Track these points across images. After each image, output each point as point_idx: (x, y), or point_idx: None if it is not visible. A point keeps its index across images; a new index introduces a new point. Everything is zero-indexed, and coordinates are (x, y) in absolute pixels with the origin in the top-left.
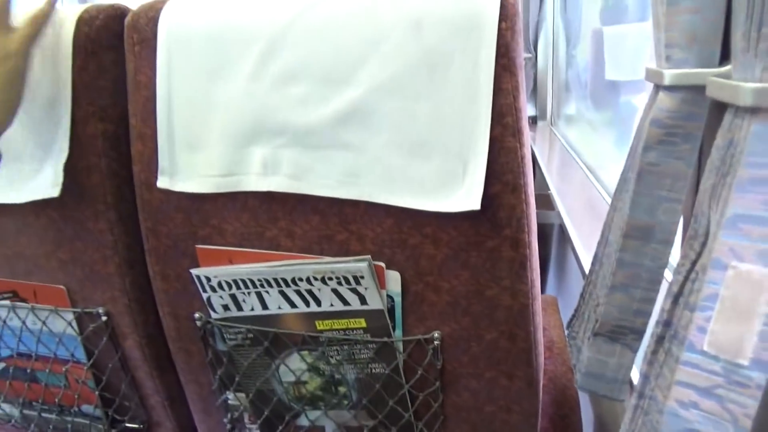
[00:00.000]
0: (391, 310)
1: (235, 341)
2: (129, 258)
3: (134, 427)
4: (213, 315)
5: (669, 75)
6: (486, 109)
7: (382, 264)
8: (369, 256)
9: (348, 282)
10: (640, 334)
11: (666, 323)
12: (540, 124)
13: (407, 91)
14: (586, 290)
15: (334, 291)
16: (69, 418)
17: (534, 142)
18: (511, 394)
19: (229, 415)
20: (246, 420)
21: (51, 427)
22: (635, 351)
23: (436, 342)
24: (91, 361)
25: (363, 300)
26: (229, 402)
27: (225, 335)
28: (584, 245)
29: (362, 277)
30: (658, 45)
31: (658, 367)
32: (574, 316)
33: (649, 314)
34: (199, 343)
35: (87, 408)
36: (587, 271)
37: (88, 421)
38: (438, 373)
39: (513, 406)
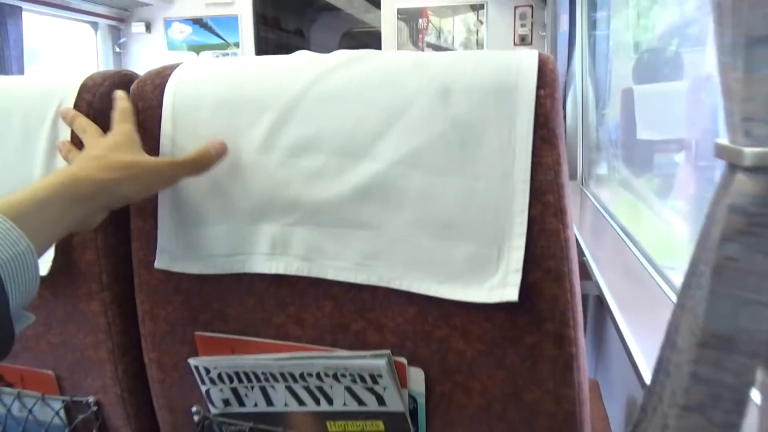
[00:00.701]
0: (414, 413)
1: None
2: (123, 343)
3: None
4: (212, 410)
5: (750, 154)
6: (524, 185)
7: (404, 360)
8: (388, 351)
9: (364, 380)
10: None
11: None
12: (570, 184)
13: (434, 165)
14: (648, 402)
15: (348, 389)
16: None
17: None
18: None
19: None
20: None
21: None
22: None
23: None
24: None
25: (381, 400)
26: None
27: None
28: (627, 320)
29: (380, 376)
30: (731, 117)
31: None
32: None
33: None
34: None
35: None
36: (632, 351)
37: None
38: None
39: None
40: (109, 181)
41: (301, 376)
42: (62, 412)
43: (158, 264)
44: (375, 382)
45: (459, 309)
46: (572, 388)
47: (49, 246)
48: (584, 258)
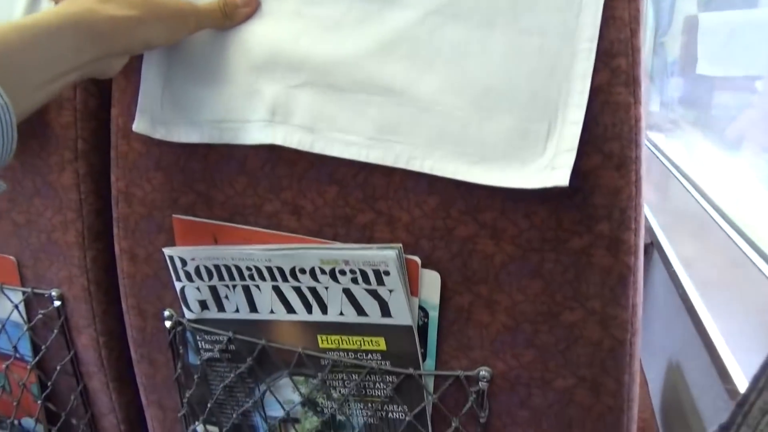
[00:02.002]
0: (423, 330)
1: (211, 353)
2: (95, 227)
3: None
4: (187, 314)
5: None
6: (590, 44)
7: (417, 259)
8: (399, 244)
9: (367, 279)
10: None
11: None
12: None
13: (477, 15)
14: (752, 398)
15: (347, 292)
16: None
17: None
18: None
19: None
20: None
21: None
22: None
23: (482, 383)
24: (37, 359)
25: (385, 310)
26: None
27: (199, 343)
28: (688, 274)
29: (387, 273)
30: None
31: None
32: None
33: None
34: (166, 353)
35: (27, 423)
36: (694, 305)
37: None
38: (481, 430)
39: None
40: (131, 19)
41: (292, 272)
42: (22, 306)
43: (137, 126)
44: (380, 282)
45: (491, 201)
46: (625, 309)
47: (54, 91)
48: None
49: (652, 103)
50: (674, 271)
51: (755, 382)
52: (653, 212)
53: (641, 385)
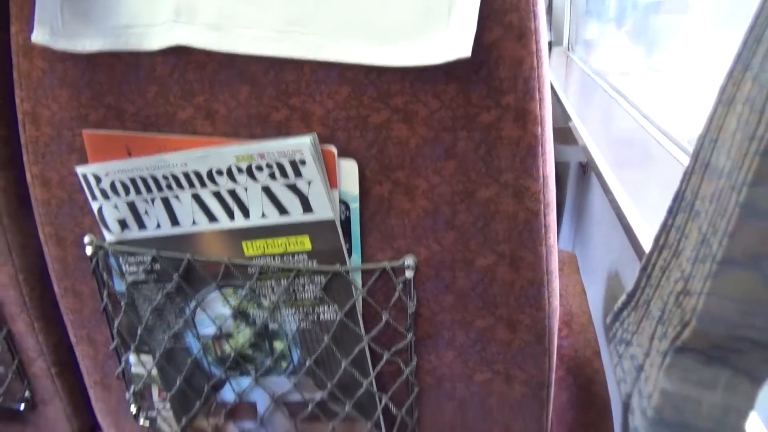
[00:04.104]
0: (346, 226)
1: (136, 275)
2: (2, 155)
3: (11, 407)
4: (107, 237)
5: None
6: None
7: (333, 148)
8: (314, 132)
9: (284, 173)
10: None
11: None
12: (556, 49)
13: None
14: (652, 262)
15: (267, 191)
16: None
17: (550, 67)
18: (512, 354)
19: (131, 389)
20: (155, 396)
21: None
22: (762, 382)
23: (408, 272)
24: None
25: (306, 205)
26: (132, 369)
27: (123, 267)
28: (616, 185)
29: (303, 163)
30: None
31: None
32: (625, 304)
33: None
34: (91, 283)
35: None
36: (626, 217)
37: None
38: (411, 321)
39: (515, 371)
40: None
41: (210, 175)
42: None
43: (35, 37)
44: (297, 173)
45: (402, 85)
46: (537, 180)
47: None
48: (570, 123)
49: (589, 32)
50: (608, 187)
51: (655, 242)
52: (586, 132)
53: (579, 293)
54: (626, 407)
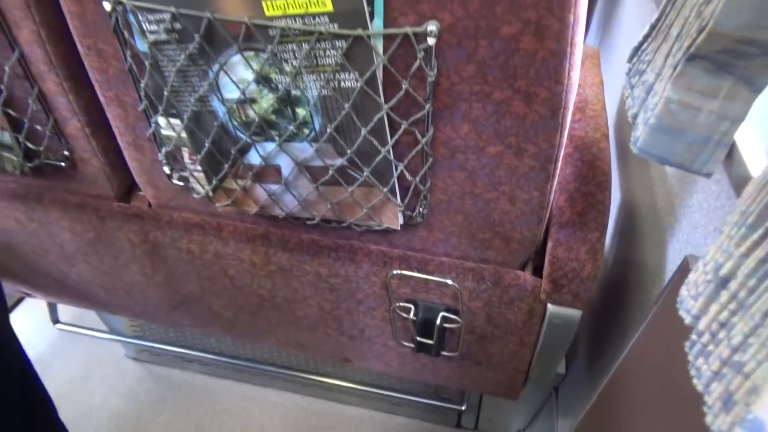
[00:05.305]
0: None
1: (157, 34)
2: None
3: (55, 164)
4: None
5: None
6: None
7: None
8: None
9: None
10: None
11: None
12: None
13: None
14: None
15: None
16: None
17: None
18: (525, 128)
19: (163, 150)
20: (186, 158)
21: None
22: (757, 91)
23: (430, 39)
24: None
25: None
26: (162, 131)
27: (143, 25)
28: None
29: None
30: None
31: None
32: (647, 36)
33: None
34: (113, 41)
35: None
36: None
37: None
38: (430, 90)
39: (527, 146)
40: None
41: None
42: None
43: None
44: None
45: None
46: None
47: None
48: None
49: None
50: None
51: None
52: None
53: (597, 84)
54: (632, 126)
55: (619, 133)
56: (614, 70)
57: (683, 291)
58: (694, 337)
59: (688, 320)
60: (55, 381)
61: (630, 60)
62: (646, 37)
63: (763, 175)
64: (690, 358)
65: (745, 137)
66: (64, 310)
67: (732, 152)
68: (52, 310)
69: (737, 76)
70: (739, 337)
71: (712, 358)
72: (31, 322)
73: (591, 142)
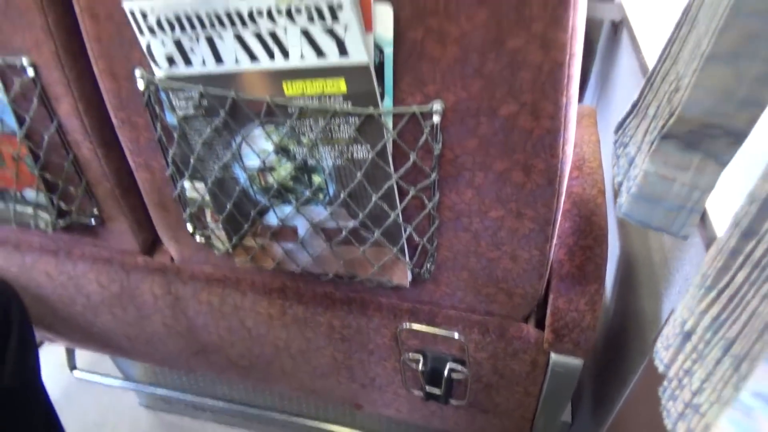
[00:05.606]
0: (380, 70)
1: (186, 110)
2: None
3: (84, 223)
4: (156, 72)
5: None
6: None
7: None
8: None
9: (322, 17)
10: (739, 138)
11: None
12: None
13: None
14: (656, 72)
15: (305, 33)
16: (11, 205)
17: None
18: (525, 194)
19: (187, 210)
20: (208, 217)
21: None
22: (722, 166)
23: (435, 116)
24: (24, 130)
25: (342, 48)
26: (187, 193)
27: (173, 101)
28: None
29: (340, 6)
30: None
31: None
32: (629, 114)
33: (761, 107)
34: (144, 115)
35: (29, 194)
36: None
37: (31, 210)
38: (436, 162)
39: (526, 210)
40: None
41: (250, 15)
42: None
43: None
44: (335, 17)
45: None
46: (564, 30)
47: None
48: None
49: None
50: (638, 46)
51: (660, 55)
52: None
53: (594, 143)
54: (616, 194)
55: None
56: (611, 127)
57: (658, 343)
58: (665, 383)
59: (661, 369)
60: (69, 427)
61: (616, 132)
62: (628, 114)
63: (717, 244)
64: (662, 401)
65: (714, 204)
66: (80, 357)
67: (704, 217)
68: (71, 356)
69: (705, 153)
70: (698, 383)
71: (678, 401)
72: (47, 368)
73: (588, 199)
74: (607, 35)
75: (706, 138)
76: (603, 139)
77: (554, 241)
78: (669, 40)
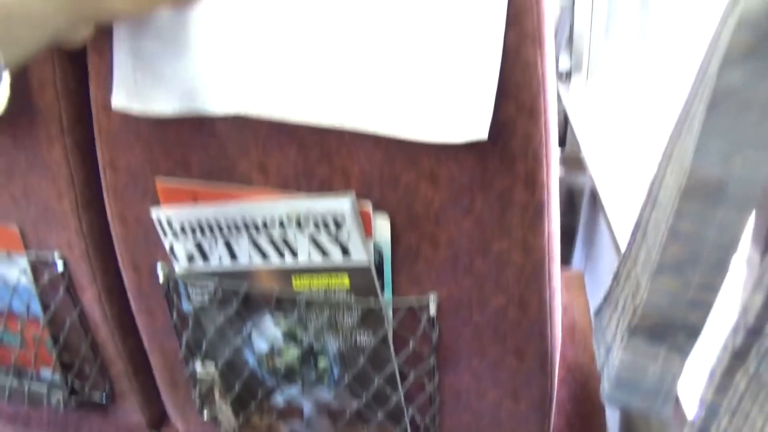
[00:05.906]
0: (380, 266)
1: (201, 300)
2: (86, 195)
3: (95, 401)
4: (177, 268)
5: None
6: (500, 7)
7: (369, 207)
8: (352, 192)
9: (327, 227)
10: (695, 332)
11: (754, 331)
12: (575, 79)
13: None
14: (621, 269)
15: (312, 239)
16: (26, 383)
17: (567, 98)
18: (519, 378)
19: (197, 389)
20: (216, 396)
21: (7, 393)
22: (686, 356)
23: (431, 308)
24: (48, 317)
25: (346, 252)
26: (198, 374)
27: (190, 292)
28: (619, 214)
29: (344, 220)
30: None
31: (736, 398)
32: (604, 301)
33: (709, 307)
34: (162, 303)
35: (45, 373)
36: (624, 244)
37: (45, 389)
38: (433, 348)
39: (522, 392)
40: None
41: (264, 224)
42: (29, 271)
43: (115, 102)
44: (338, 227)
45: (427, 150)
46: (541, 237)
47: (20, 60)
48: (581, 154)
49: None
50: (608, 219)
51: (623, 257)
52: (595, 159)
53: (583, 308)
54: (600, 377)
55: None
56: (598, 290)
57: None
58: None
59: None
60: None
61: (596, 316)
62: (603, 303)
63: (689, 425)
64: None
65: (685, 388)
66: None
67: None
68: None
69: (669, 345)
70: None
71: None
72: None
73: (581, 364)
74: (590, 202)
75: (668, 333)
76: (593, 302)
77: (552, 419)
78: (628, 246)
